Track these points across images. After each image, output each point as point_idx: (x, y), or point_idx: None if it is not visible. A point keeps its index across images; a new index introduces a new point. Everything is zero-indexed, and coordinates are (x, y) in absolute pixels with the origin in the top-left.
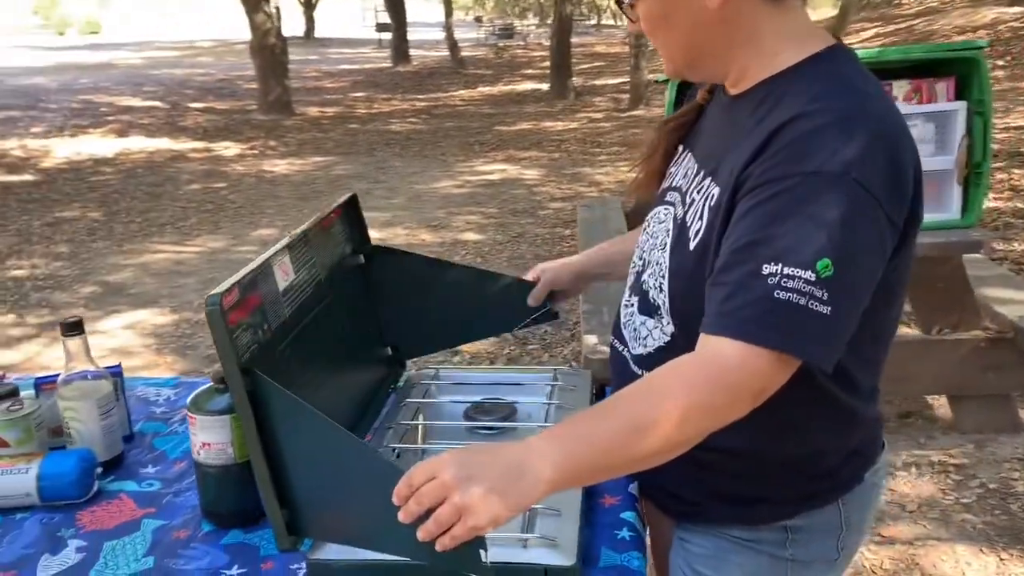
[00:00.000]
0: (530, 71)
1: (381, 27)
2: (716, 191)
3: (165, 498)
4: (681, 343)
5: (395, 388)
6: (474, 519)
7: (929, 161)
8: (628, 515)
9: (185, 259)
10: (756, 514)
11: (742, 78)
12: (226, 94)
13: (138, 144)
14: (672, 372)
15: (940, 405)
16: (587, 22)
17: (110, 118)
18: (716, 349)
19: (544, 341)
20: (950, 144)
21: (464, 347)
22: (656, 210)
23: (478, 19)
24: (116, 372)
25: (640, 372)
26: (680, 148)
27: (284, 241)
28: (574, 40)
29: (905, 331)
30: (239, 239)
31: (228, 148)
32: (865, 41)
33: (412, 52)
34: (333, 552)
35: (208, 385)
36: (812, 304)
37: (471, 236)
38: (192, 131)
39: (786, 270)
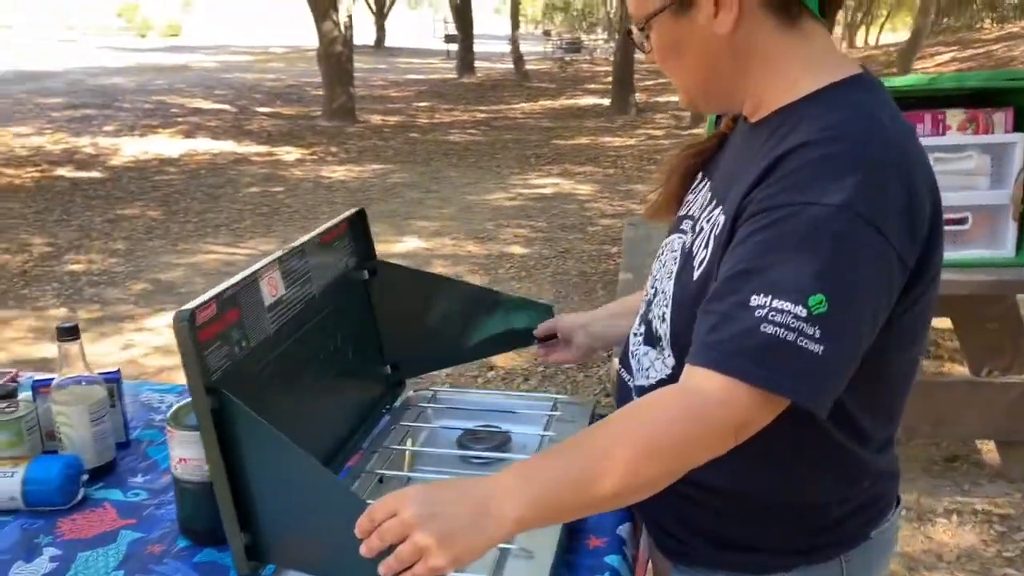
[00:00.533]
0: (593, 86)
1: (449, 38)
2: (722, 219)
3: (147, 510)
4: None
5: (390, 408)
6: (434, 560)
7: (983, 195)
8: (612, 559)
9: (235, 260)
10: (749, 562)
11: (759, 106)
12: (293, 100)
13: (203, 146)
14: (650, 404)
15: (988, 451)
16: None
17: (179, 119)
18: (697, 381)
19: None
20: (1006, 178)
21: (499, 363)
22: (670, 238)
23: (546, 33)
24: (113, 378)
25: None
26: (700, 175)
27: (275, 255)
28: (641, 56)
29: (953, 372)
30: (289, 243)
31: (289, 153)
32: (940, 66)
33: (478, 64)
34: None
35: (188, 400)
36: (802, 341)
37: (517, 249)
38: (256, 135)
39: (775, 303)
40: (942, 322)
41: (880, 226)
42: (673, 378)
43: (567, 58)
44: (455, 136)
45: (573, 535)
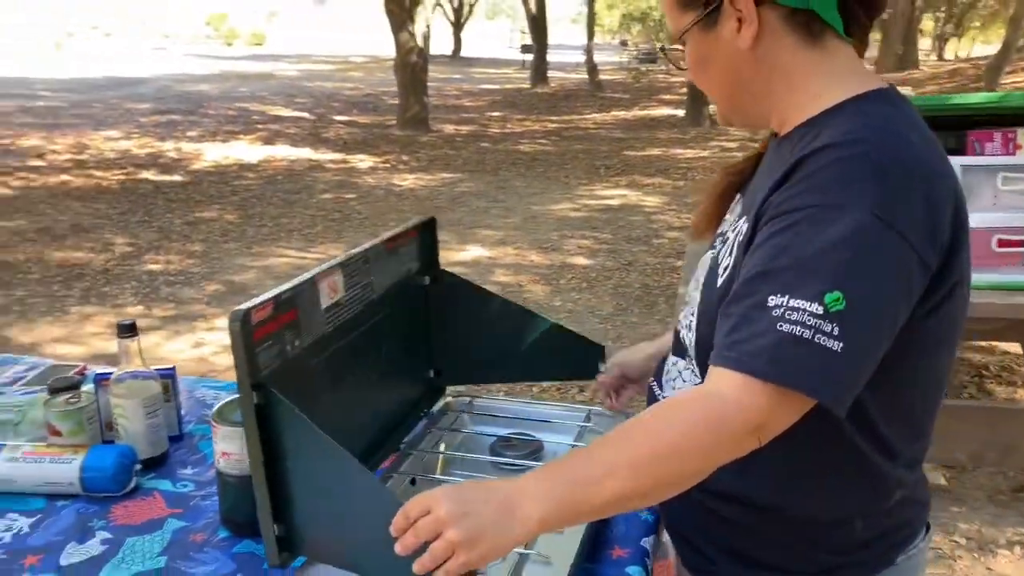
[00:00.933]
0: (667, 96)
1: (525, 48)
2: (745, 227)
3: (193, 500)
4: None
5: (428, 412)
6: (466, 555)
7: None
8: (633, 569)
9: (306, 264)
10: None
11: (785, 121)
12: (369, 108)
13: (282, 152)
14: (672, 406)
15: None
16: None
17: (260, 126)
18: (716, 382)
19: None
20: None
21: None
22: (705, 255)
23: (623, 43)
24: (168, 374)
25: None
26: (738, 195)
27: (338, 259)
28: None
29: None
30: (356, 247)
31: (363, 160)
32: None
33: (552, 74)
34: (323, 574)
35: (235, 396)
36: (819, 338)
37: (580, 260)
38: (333, 143)
39: (792, 302)
40: (1013, 347)
41: (900, 228)
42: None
43: (642, 68)
44: (525, 146)
45: (597, 545)
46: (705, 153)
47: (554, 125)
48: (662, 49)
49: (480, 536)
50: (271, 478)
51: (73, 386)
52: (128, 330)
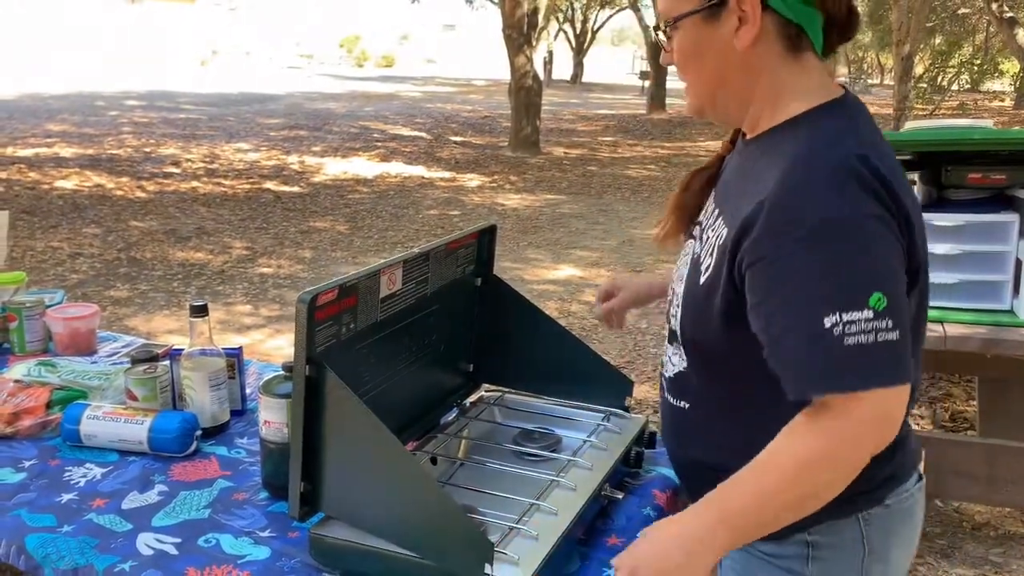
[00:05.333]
0: None
1: (643, 75)
2: (724, 231)
3: (242, 465)
4: (693, 370)
5: (460, 403)
6: None
7: None
8: None
9: None
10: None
11: (756, 125)
12: (485, 130)
13: (396, 169)
14: (794, 445)
15: None
16: (869, 80)
17: (379, 144)
18: (820, 410)
19: None
20: None
21: None
22: (684, 248)
23: None
24: (234, 353)
25: (668, 396)
26: (711, 196)
27: (402, 255)
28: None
29: None
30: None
31: (472, 180)
32: None
33: (670, 100)
34: (337, 531)
35: (280, 373)
36: (881, 336)
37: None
38: (445, 162)
39: (845, 316)
40: None
41: (878, 217)
42: (689, 371)
43: None
44: (632, 171)
45: (594, 531)
46: None
47: (665, 151)
48: (655, 27)
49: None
50: (307, 442)
51: (151, 358)
52: (200, 311)
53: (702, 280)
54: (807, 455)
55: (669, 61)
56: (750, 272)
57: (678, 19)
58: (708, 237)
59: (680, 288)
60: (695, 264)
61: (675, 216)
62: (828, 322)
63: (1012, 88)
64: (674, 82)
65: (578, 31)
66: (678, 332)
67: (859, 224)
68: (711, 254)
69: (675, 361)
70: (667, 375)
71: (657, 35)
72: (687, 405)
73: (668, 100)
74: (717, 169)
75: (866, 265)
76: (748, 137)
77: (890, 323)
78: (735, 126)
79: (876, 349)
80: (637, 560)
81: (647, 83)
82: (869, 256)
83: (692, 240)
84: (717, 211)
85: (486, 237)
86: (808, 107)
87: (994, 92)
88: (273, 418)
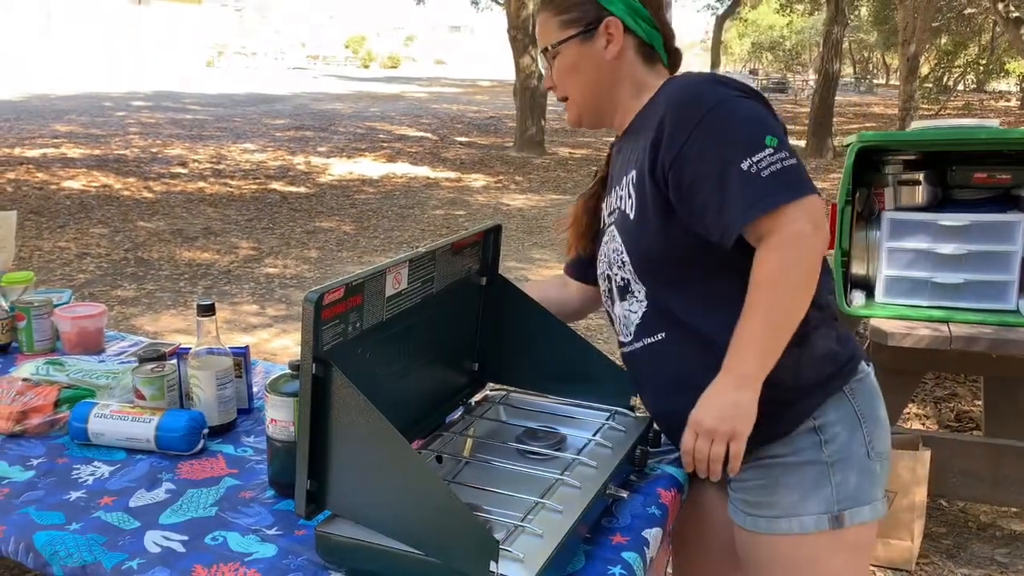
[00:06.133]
0: (792, 127)
1: None
2: (633, 173)
3: (249, 464)
4: (656, 298)
5: (466, 402)
6: (735, 444)
7: None
8: (629, 555)
9: None
10: (784, 421)
11: (624, 120)
12: (490, 131)
13: (402, 170)
14: (760, 273)
15: None
16: (874, 80)
17: (385, 144)
18: (764, 236)
19: None
20: None
21: None
22: (602, 240)
23: (753, 72)
24: (241, 353)
25: (639, 343)
26: (601, 206)
27: (407, 255)
28: (853, 99)
29: None
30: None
31: (477, 180)
32: None
33: None
34: (343, 529)
35: (286, 372)
36: (786, 163)
37: None
38: (451, 162)
39: (754, 158)
40: None
41: (745, 95)
42: (650, 308)
43: (770, 97)
44: None
45: (599, 530)
46: (824, 184)
47: None
48: (544, 50)
49: (737, 433)
50: (313, 440)
51: (159, 357)
52: (207, 310)
53: (632, 216)
54: (773, 270)
55: (549, 85)
56: (672, 170)
57: (563, 42)
58: (621, 197)
59: (616, 244)
60: (623, 218)
61: (575, 235)
62: (744, 165)
63: (1018, 88)
64: None
65: None
66: (631, 274)
67: (732, 98)
68: (629, 197)
69: (634, 309)
70: (630, 328)
71: (540, 64)
72: (663, 335)
73: None
74: (601, 187)
75: (752, 120)
76: (620, 134)
77: (786, 153)
78: (606, 127)
79: (786, 172)
80: (693, 423)
81: None
82: (750, 115)
83: (610, 228)
84: (617, 181)
85: (491, 237)
86: (655, 90)
87: (1000, 92)
88: (280, 416)
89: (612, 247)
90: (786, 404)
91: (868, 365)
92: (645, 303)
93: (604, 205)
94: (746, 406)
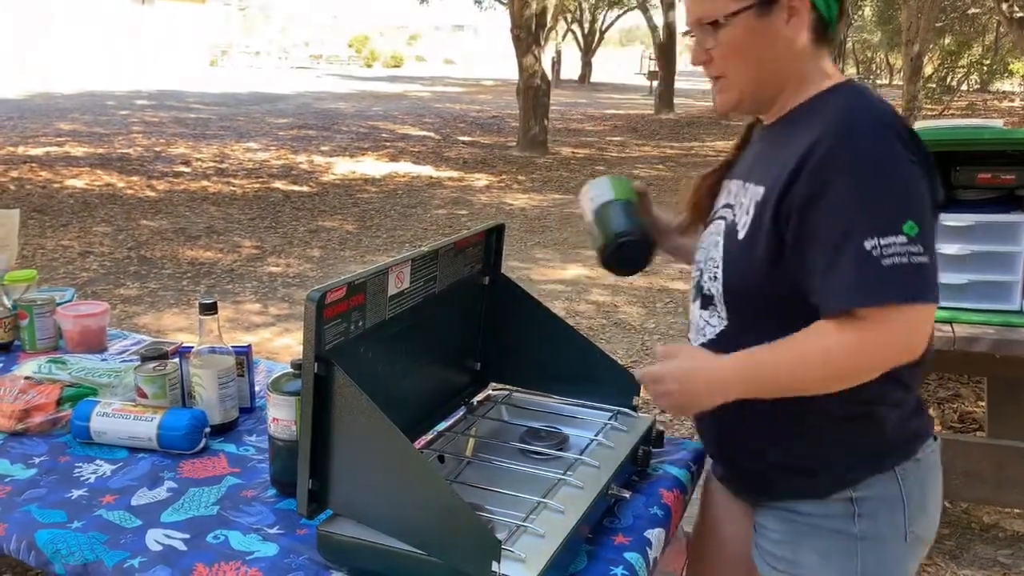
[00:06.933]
0: None
1: (651, 75)
2: (761, 190)
3: (251, 463)
4: (736, 325)
5: (468, 402)
6: (666, 404)
7: None
8: (632, 556)
9: None
10: (820, 484)
11: (782, 108)
12: (493, 130)
13: (405, 169)
14: (821, 338)
15: None
16: (878, 80)
17: (388, 144)
18: (854, 319)
19: None
20: None
21: None
22: (707, 230)
23: None
24: (243, 351)
25: None
26: (722, 187)
27: (409, 254)
28: None
29: None
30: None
31: (479, 179)
32: None
33: (680, 101)
34: (344, 528)
35: (288, 371)
36: (914, 259)
37: (679, 285)
38: (453, 161)
39: (883, 241)
40: None
41: (911, 160)
42: (728, 330)
43: None
44: (640, 171)
45: (601, 530)
46: None
47: (673, 151)
48: (688, 31)
49: (682, 408)
50: (315, 439)
51: (161, 356)
52: (209, 308)
53: (741, 236)
54: (833, 345)
55: (703, 59)
56: (798, 209)
57: (735, 13)
58: (742, 203)
59: (717, 253)
60: (730, 231)
61: (693, 212)
62: (868, 245)
63: (1022, 88)
64: (682, 83)
65: (586, 31)
66: (718, 291)
67: (895, 163)
68: (747, 213)
69: (712, 323)
70: (702, 339)
71: (690, 35)
72: None
73: (676, 100)
74: (726, 169)
75: (901, 197)
76: (769, 122)
77: (921, 248)
78: (763, 114)
79: (910, 269)
80: (666, 374)
81: (655, 83)
82: (903, 190)
83: (718, 221)
84: (746, 184)
85: (494, 236)
86: (823, 87)
87: (1004, 92)
88: (282, 415)
89: (711, 254)
90: (827, 469)
91: (935, 440)
92: (725, 323)
93: (724, 189)
94: (704, 406)
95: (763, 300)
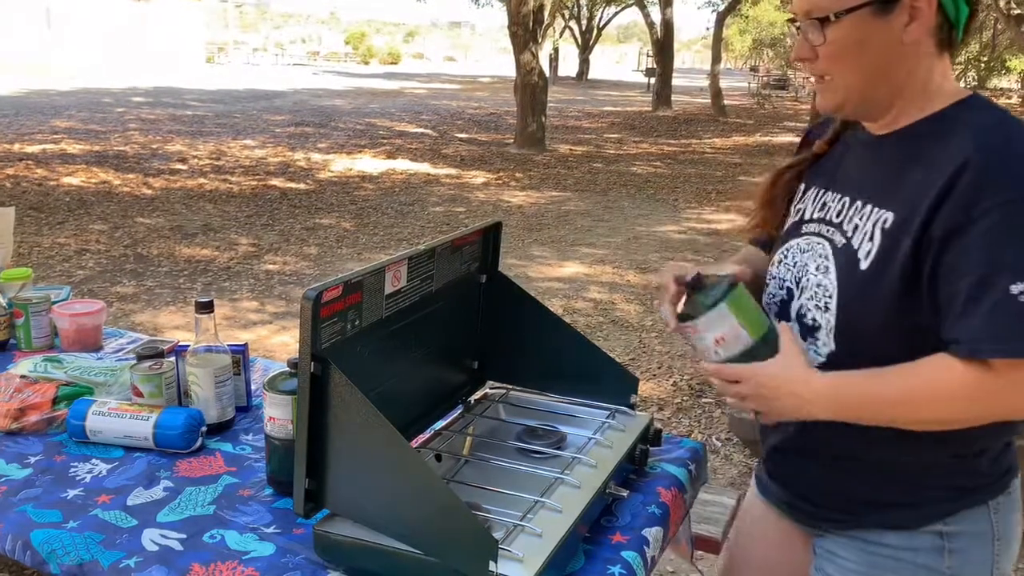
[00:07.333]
0: (792, 124)
1: (648, 72)
2: (890, 216)
3: (247, 462)
4: (841, 360)
5: (465, 400)
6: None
7: None
8: (629, 555)
9: None
10: (911, 516)
11: (897, 119)
12: (490, 127)
13: (402, 166)
14: (938, 376)
15: None
16: None
17: (385, 141)
18: (983, 367)
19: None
20: None
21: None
22: (794, 242)
23: (753, 69)
24: (239, 350)
25: None
26: (802, 188)
27: (406, 252)
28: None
29: None
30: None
31: (477, 177)
32: None
33: (677, 98)
34: (341, 528)
35: (285, 369)
36: None
37: None
38: (451, 159)
39: None
40: None
41: None
42: (830, 364)
43: (770, 95)
44: (638, 168)
45: (599, 529)
46: None
47: (671, 148)
48: (793, 21)
49: (767, 410)
50: (312, 439)
51: (157, 355)
52: (205, 307)
53: (864, 266)
54: (956, 387)
55: (808, 56)
56: (943, 239)
57: (850, 10)
58: (857, 225)
59: (827, 280)
60: (848, 258)
61: (765, 210)
62: (1015, 289)
63: (1019, 86)
64: (679, 80)
65: (584, 28)
66: (829, 323)
67: None
68: (870, 240)
69: (815, 349)
70: None
71: (795, 24)
72: None
73: (673, 97)
74: (807, 167)
75: None
76: (881, 132)
77: None
78: (870, 121)
79: None
80: (750, 376)
81: (653, 80)
82: None
83: (811, 237)
84: (858, 201)
85: (491, 234)
86: (949, 102)
87: (1001, 89)
88: (278, 415)
89: (819, 280)
90: (923, 498)
91: (1016, 478)
92: (831, 351)
93: (810, 194)
94: (783, 418)
95: (883, 332)
